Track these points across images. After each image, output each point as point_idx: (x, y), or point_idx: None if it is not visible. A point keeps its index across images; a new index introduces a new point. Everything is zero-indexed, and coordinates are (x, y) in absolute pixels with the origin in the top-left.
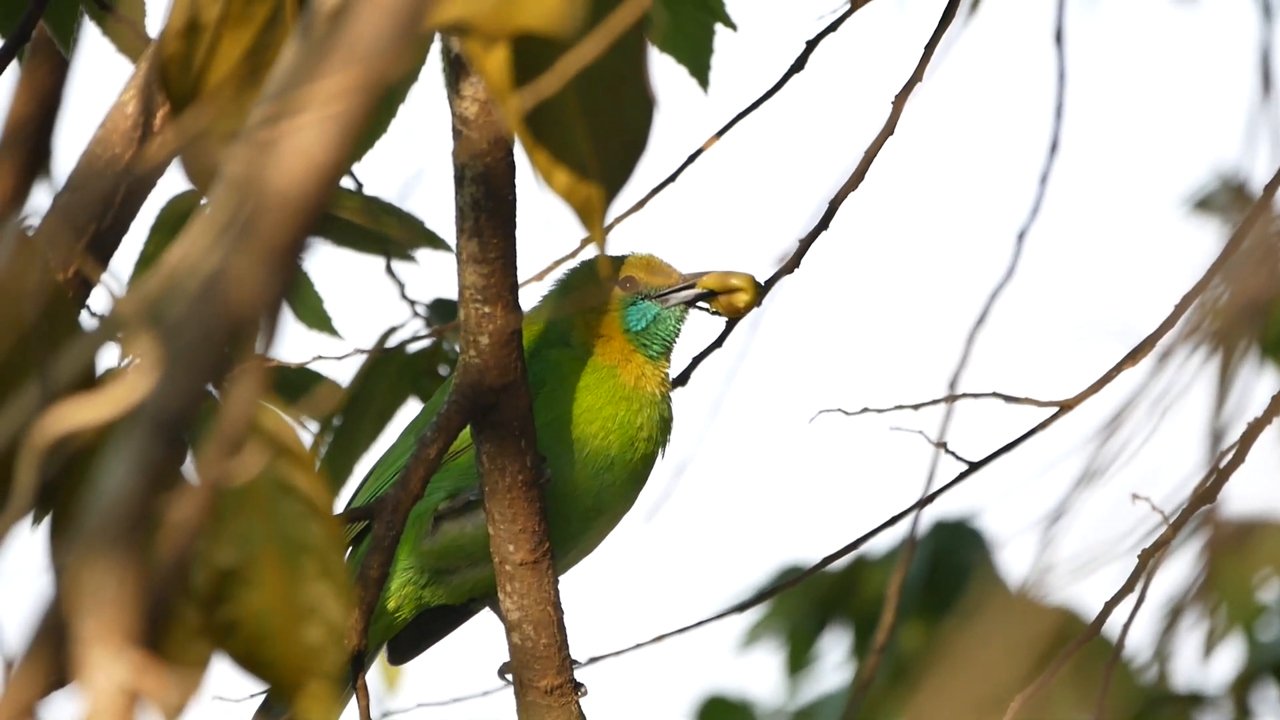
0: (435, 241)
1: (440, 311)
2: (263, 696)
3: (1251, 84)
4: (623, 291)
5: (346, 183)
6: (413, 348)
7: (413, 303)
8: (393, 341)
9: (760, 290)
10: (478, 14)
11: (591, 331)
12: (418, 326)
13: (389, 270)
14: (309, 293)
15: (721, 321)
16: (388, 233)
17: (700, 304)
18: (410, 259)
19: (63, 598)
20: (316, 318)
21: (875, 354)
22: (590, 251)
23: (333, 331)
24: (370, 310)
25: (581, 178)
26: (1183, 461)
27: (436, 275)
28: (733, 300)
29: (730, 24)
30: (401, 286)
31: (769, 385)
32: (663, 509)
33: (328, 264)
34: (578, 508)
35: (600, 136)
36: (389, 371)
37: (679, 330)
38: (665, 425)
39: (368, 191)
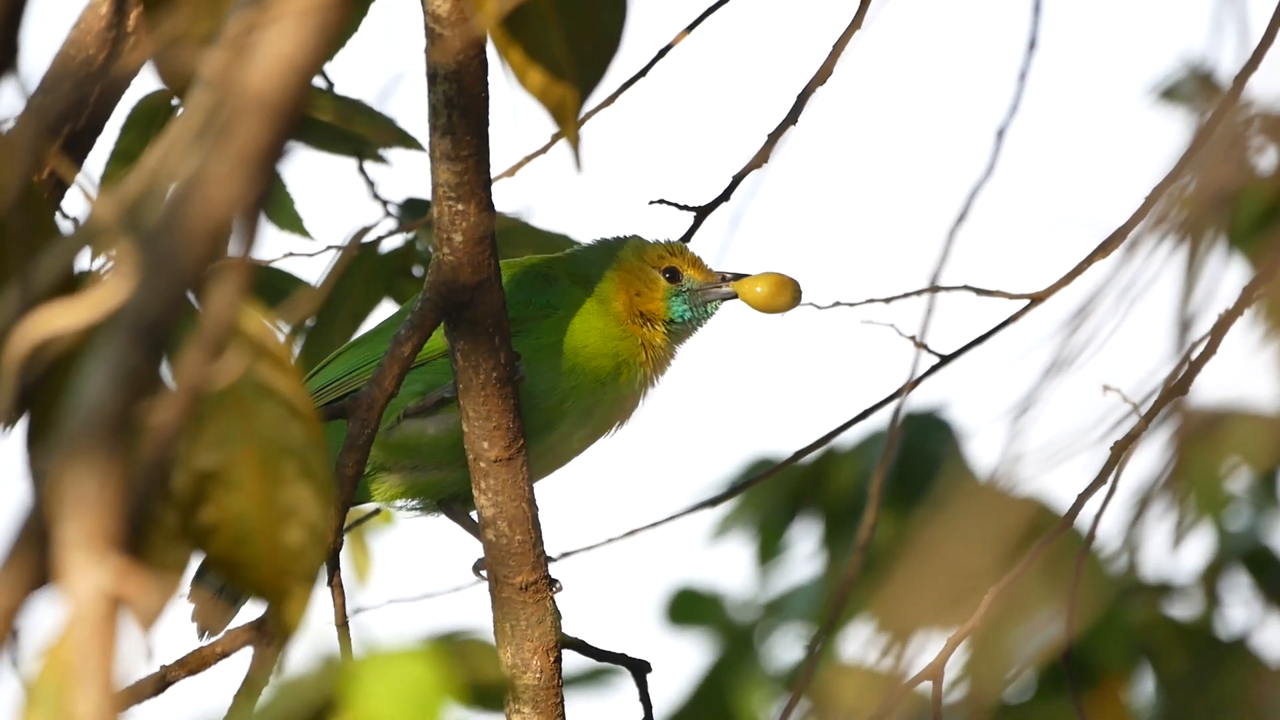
0: (407, 141)
1: (412, 211)
2: (199, 570)
3: None
4: (668, 282)
5: (318, 83)
6: (386, 247)
7: (385, 202)
8: (365, 241)
9: (799, 292)
10: None
11: (632, 307)
12: (390, 226)
13: (361, 170)
14: (281, 194)
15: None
16: (360, 133)
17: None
18: (382, 160)
19: (43, 503)
20: (288, 218)
21: (848, 249)
22: (636, 231)
23: (304, 233)
24: (342, 210)
25: (555, 77)
26: (1151, 351)
27: (409, 175)
28: (773, 303)
29: None
30: (373, 186)
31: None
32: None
33: (299, 164)
34: (549, 428)
35: (574, 36)
36: (362, 272)
37: (708, 322)
38: (641, 397)
39: (340, 92)
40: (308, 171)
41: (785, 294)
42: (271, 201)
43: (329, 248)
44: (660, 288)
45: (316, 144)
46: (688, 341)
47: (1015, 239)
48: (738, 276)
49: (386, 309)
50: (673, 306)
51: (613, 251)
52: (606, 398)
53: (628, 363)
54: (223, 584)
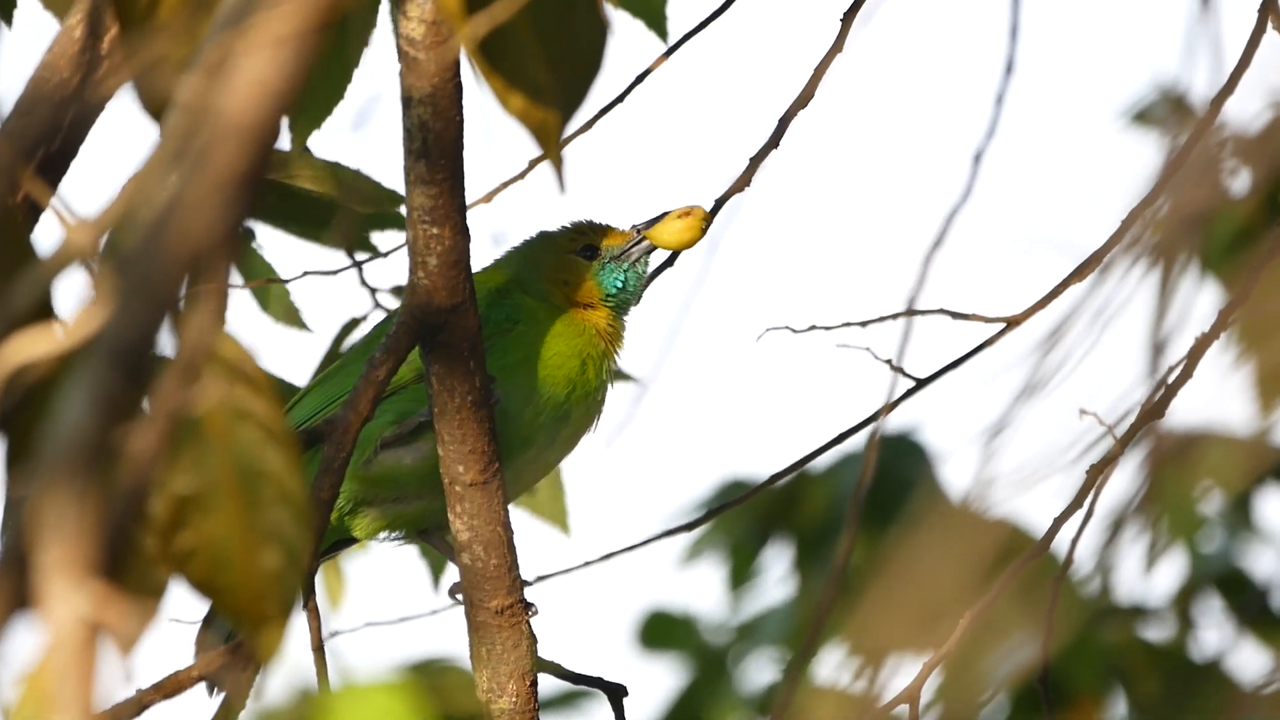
0: (393, 199)
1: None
2: (205, 616)
3: None
4: (588, 261)
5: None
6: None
7: (373, 290)
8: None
9: (708, 217)
10: None
11: (569, 297)
12: (379, 316)
13: (350, 257)
14: (279, 292)
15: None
16: (336, 195)
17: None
18: (373, 249)
19: (22, 528)
20: (281, 308)
21: (826, 273)
22: (549, 215)
23: (300, 324)
24: (330, 292)
25: (536, 99)
26: (1124, 374)
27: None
28: (682, 238)
29: None
30: (361, 272)
31: (719, 303)
32: (620, 432)
33: (289, 252)
34: (527, 444)
35: (554, 58)
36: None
37: (646, 281)
38: (608, 386)
39: (322, 159)
40: (293, 252)
41: (695, 225)
42: (268, 298)
43: (305, 273)
44: (582, 269)
45: (303, 228)
46: (632, 310)
47: (991, 262)
48: (649, 224)
49: None
50: (603, 281)
51: (527, 255)
52: (579, 399)
53: (591, 356)
54: (230, 631)
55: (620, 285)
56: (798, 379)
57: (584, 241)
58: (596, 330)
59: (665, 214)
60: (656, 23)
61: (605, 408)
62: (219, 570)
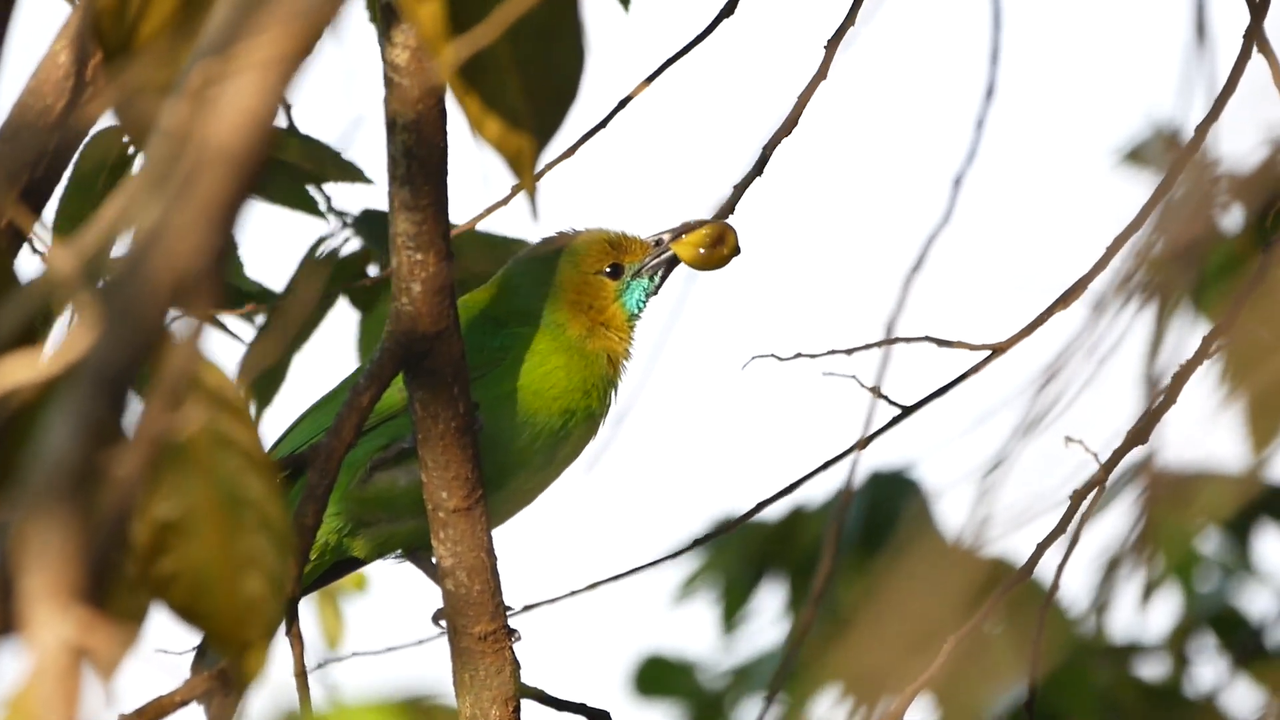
0: (364, 178)
1: (369, 222)
2: (199, 646)
3: (1186, 33)
4: (613, 280)
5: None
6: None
7: (341, 214)
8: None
9: (737, 241)
10: None
11: (591, 322)
12: (347, 235)
13: (319, 187)
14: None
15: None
16: (308, 167)
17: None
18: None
19: (6, 555)
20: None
21: (811, 300)
22: (556, 231)
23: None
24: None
25: (513, 127)
26: (1119, 410)
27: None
28: (711, 262)
29: None
30: (328, 199)
31: (703, 332)
32: (601, 460)
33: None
34: (520, 468)
35: (531, 85)
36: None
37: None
38: (610, 404)
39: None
40: (262, 226)
41: (724, 246)
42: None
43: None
44: (609, 290)
45: (274, 195)
46: (643, 319)
47: (979, 290)
48: (675, 235)
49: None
50: (627, 302)
51: (546, 276)
52: (578, 423)
53: (596, 385)
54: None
55: (643, 304)
56: (786, 408)
57: (610, 259)
58: (609, 356)
59: (690, 224)
60: None
61: (603, 424)
62: (200, 595)
